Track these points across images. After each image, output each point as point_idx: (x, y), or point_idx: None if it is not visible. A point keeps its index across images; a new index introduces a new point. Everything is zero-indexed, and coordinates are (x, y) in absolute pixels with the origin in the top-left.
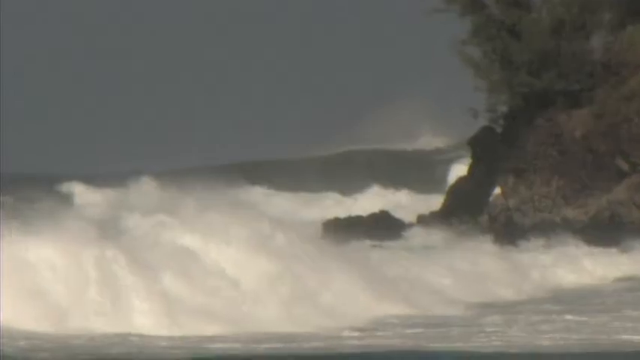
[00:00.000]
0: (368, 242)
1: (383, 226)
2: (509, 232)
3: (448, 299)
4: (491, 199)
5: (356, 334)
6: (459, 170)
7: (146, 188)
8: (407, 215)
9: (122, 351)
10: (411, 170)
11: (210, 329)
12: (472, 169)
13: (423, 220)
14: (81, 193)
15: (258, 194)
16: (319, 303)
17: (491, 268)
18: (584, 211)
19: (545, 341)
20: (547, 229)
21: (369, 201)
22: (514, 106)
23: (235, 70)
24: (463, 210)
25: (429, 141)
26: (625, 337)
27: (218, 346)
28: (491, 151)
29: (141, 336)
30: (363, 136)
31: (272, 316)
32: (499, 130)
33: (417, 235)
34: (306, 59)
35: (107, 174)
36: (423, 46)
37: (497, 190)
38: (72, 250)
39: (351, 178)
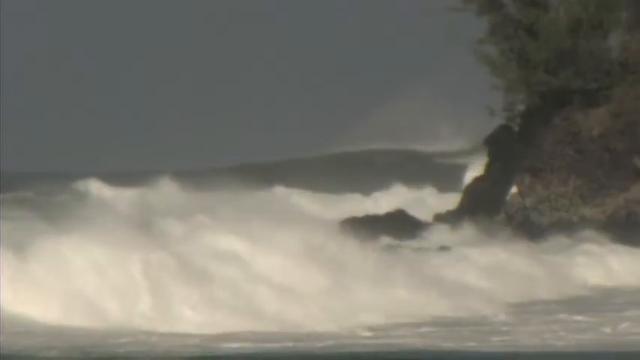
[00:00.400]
0: (386, 241)
1: (400, 225)
2: (526, 231)
3: (485, 298)
4: (507, 198)
5: (369, 333)
6: (475, 170)
7: (167, 189)
8: (428, 215)
9: (132, 349)
10: (428, 170)
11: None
12: (488, 168)
13: (440, 219)
14: (99, 190)
15: (279, 194)
16: (362, 303)
17: (510, 267)
18: (601, 210)
19: (560, 341)
20: (565, 228)
21: (389, 200)
22: (531, 104)
23: (235, 70)
24: (480, 209)
25: (438, 140)
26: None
27: (228, 345)
28: (507, 150)
29: (149, 333)
30: (365, 135)
31: (317, 318)
32: (516, 128)
33: (435, 234)
34: (306, 59)
35: (117, 173)
36: (423, 46)
37: (514, 189)
38: (116, 253)
39: (370, 177)
